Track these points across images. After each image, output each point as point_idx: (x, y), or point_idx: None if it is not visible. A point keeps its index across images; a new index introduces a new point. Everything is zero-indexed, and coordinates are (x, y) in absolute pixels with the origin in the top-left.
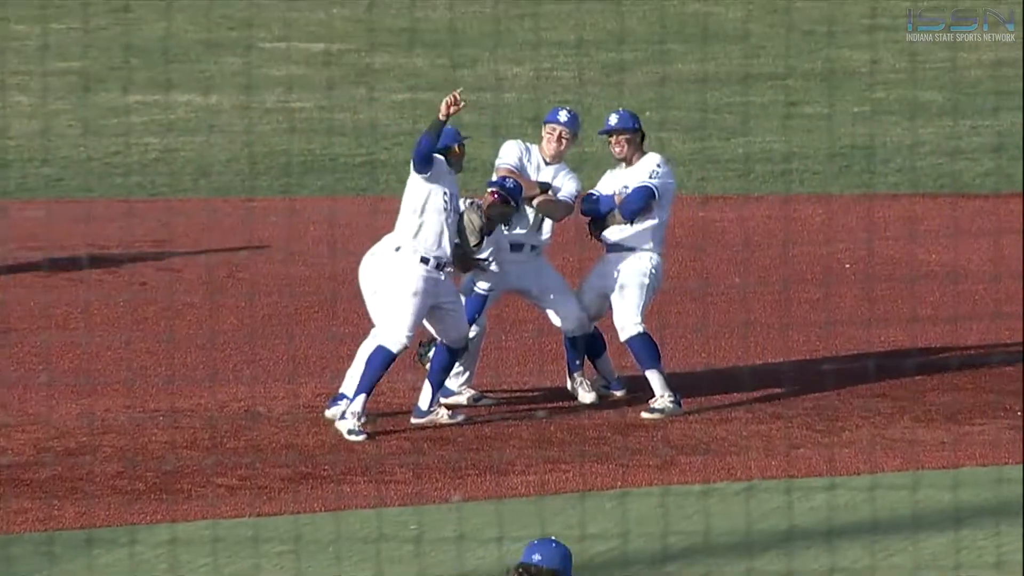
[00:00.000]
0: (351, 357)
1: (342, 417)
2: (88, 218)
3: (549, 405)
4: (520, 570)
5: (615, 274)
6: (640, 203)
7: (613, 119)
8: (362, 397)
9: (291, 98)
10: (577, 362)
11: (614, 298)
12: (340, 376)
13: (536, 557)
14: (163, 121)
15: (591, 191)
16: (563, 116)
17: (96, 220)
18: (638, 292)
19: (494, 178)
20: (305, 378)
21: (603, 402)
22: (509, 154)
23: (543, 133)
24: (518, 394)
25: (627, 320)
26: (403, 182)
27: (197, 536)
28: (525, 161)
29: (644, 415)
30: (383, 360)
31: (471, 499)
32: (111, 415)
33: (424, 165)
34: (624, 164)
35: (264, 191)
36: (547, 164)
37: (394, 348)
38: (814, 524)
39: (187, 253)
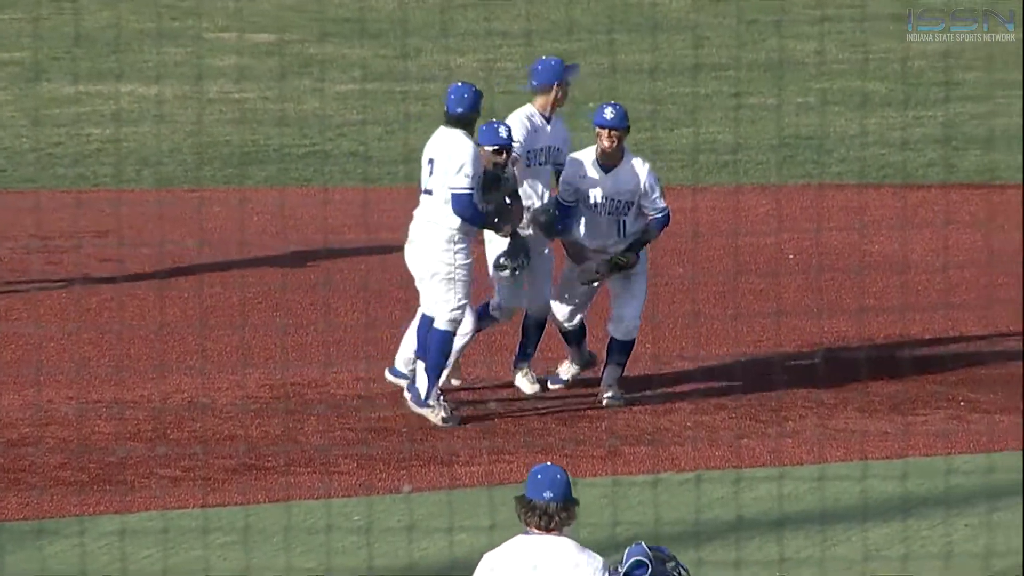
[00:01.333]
0: (297, 347)
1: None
2: (33, 208)
3: (495, 395)
4: (540, 512)
5: (625, 275)
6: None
7: (609, 114)
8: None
9: (236, 88)
10: (528, 351)
11: (623, 295)
12: (287, 367)
13: (548, 495)
14: (107, 111)
15: (562, 215)
16: (556, 67)
17: (40, 210)
18: (644, 291)
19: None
20: (250, 369)
21: (546, 392)
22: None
23: (539, 96)
24: (464, 384)
25: (634, 319)
26: (347, 172)
27: (143, 527)
28: (532, 132)
29: (606, 400)
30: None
31: (419, 490)
32: (55, 406)
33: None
34: (603, 157)
35: (209, 181)
36: (547, 121)
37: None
38: (761, 514)
39: (132, 244)
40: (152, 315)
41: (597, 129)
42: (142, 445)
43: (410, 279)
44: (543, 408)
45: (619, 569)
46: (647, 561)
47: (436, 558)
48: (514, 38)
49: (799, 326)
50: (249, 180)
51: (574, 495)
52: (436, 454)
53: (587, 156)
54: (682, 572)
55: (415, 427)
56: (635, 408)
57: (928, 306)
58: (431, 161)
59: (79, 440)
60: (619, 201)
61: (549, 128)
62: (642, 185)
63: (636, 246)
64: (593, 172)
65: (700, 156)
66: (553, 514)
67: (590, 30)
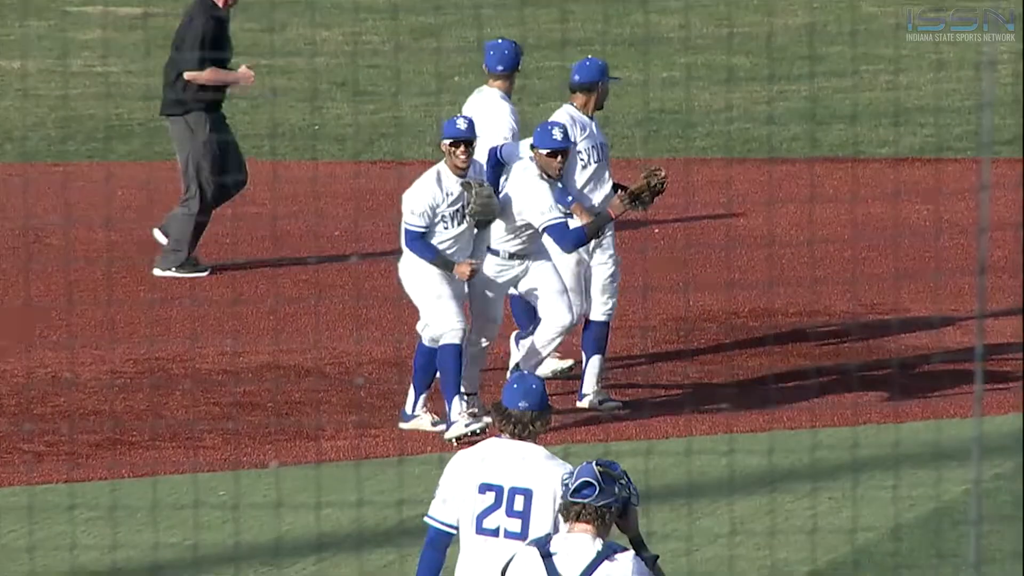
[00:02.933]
0: (163, 322)
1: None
2: None
3: (361, 371)
4: (515, 420)
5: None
6: None
7: (558, 134)
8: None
9: (100, 62)
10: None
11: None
12: (152, 341)
13: (523, 404)
14: None
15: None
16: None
17: None
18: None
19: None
20: (114, 344)
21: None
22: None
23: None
24: (331, 359)
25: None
26: None
27: (7, 503)
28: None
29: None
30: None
31: (285, 465)
32: None
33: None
34: (555, 173)
35: (73, 156)
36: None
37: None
38: None
39: None
40: (16, 290)
41: (543, 153)
42: (6, 420)
43: (275, 254)
44: (408, 383)
45: (568, 486)
46: (595, 482)
47: (303, 532)
48: (380, 12)
49: (665, 300)
50: (113, 154)
51: (549, 404)
52: (302, 429)
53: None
54: (631, 490)
55: (280, 402)
56: (501, 384)
57: (793, 280)
58: None
59: None
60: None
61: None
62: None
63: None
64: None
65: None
66: (527, 423)
67: (457, 4)
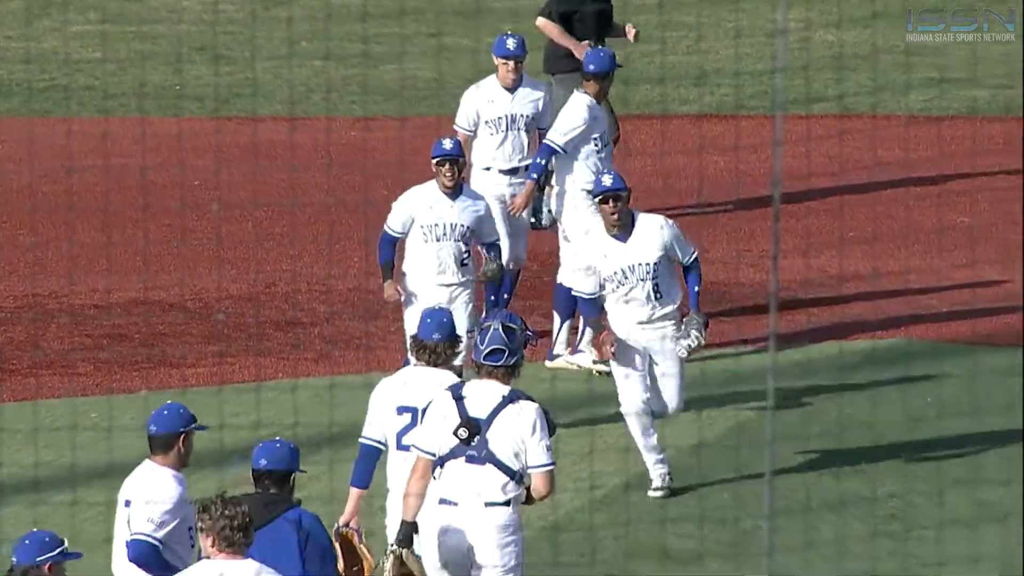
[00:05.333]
0: (41, 263)
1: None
2: None
3: (221, 306)
4: (429, 350)
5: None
6: None
7: (608, 180)
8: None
9: None
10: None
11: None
12: (31, 280)
13: (436, 336)
14: None
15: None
16: (511, 44)
17: None
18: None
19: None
20: None
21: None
22: (466, 116)
23: (497, 64)
24: (192, 296)
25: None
26: (84, 104)
27: None
28: (480, 110)
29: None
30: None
31: (152, 390)
32: None
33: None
34: (614, 228)
35: None
36: (510, 91)
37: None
38: None
39: None
40: None
41: (598, 203)
42: None
43: (144, 202)
44: (263, 317)
45: (479, 347)
46: (504, 347)
47: None
48: None
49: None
50: None
51: (456, 334)
52: (166, 358)
53: (598, 234)
54: (528, 335)
55: (147, 334)
56: (345, 316)
57: None
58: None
59: None
60: (648, 264)
61: (512, 96)
62: (665, 242)
63: (698, 306)
64: (610, 246)
65: (404, 91)
66: (440, 352)
67: None
